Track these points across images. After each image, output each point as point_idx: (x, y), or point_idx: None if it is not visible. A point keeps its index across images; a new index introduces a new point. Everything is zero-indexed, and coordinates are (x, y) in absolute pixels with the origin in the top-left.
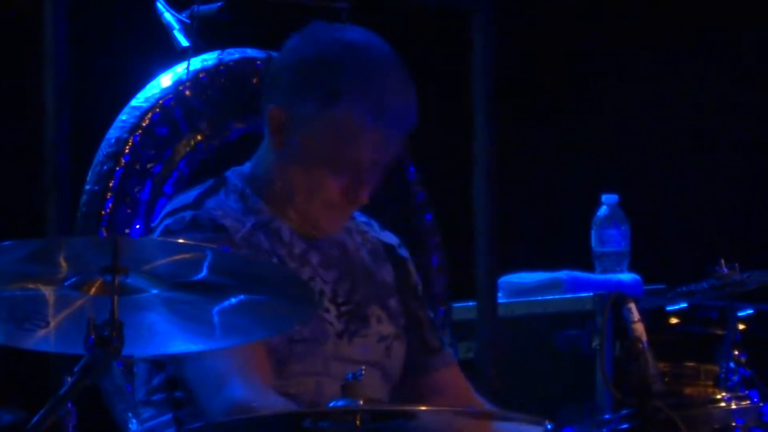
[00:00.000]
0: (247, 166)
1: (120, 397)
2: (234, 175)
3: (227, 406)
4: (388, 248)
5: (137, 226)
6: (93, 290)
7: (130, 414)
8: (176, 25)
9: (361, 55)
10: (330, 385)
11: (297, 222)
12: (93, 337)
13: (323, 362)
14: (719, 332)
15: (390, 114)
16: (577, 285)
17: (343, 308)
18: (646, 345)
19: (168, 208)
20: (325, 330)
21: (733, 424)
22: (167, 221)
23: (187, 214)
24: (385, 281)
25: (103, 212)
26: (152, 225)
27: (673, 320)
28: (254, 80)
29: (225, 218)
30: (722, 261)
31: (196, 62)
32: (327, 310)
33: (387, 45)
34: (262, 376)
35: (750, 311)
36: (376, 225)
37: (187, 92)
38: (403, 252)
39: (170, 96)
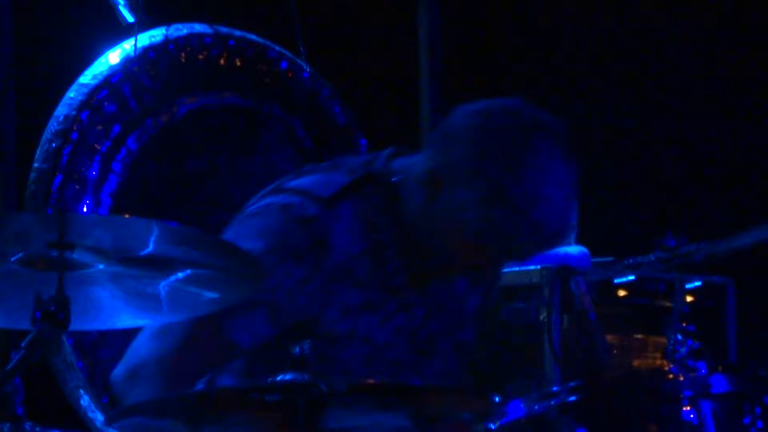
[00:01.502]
0: (396, 169)
1: (71, 374)
2: (382, 175)
3: (140, 355)
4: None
5: (86, 202)
6: (39, 266)
7: (81, 390)
8: (122, 1)
9: (545, 177)
10: None
11: (414, 257)
12: (40, 312)
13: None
14: (667, 304)
15: (547, 235)
16: None
17: (418, 346)
18: (593, 317)
19: (304, 184)
20: (387, 367)
21: (681, 395)
22: (292, 200)
23: (310, 211)
24: (469, 313)
25: (51, 190)
26: (282, 185)
27: (621, 293)
28: (201, 56)
29: (339, 236)
30: (669, 233)
31: (144, 39)
32: (398, 347)
33: (575, 169)
34: (195, 362)
35: (698, 283)
36: None
37: (135, 69)
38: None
39: (118, 73)
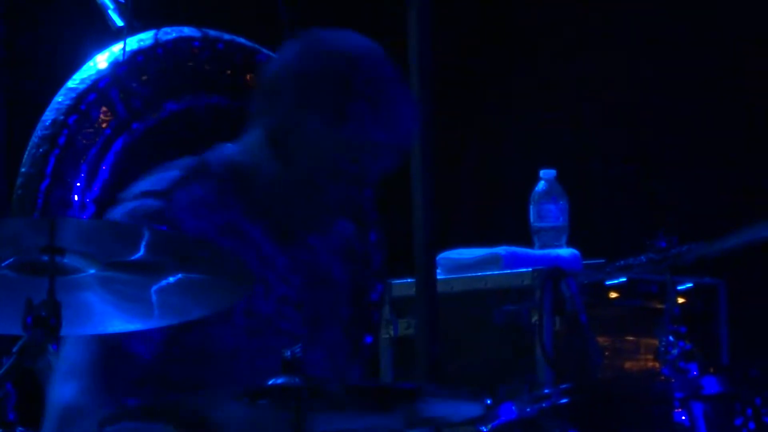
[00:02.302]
0: (232, 152)
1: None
2: (217, 161)
3: (57, 403)
4: (346, 242)
5: (75, 199)
6: (30, 271)
7: None
8: (111, 5)
9: (369, 72)
10: None
11: (276, 223)
12: (31, 317)
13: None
14: (659, 306)
15: (399, 127)
16: (515, 260)
17: (305, 314)
18: (585, 319)
19: (141, 187)
20: (280, 339)
21: (673, 397)
22: (135, 203)
23: (154, 205)
24: (341, 286)
25: (38, 194)
26: (120, 195)
27: (613, 294)
28: (190, 61)
29: (189, 221)
30: (661, 235)
31: (132, 42)
32: (289, 318)
33: (386, 54)
34: (110, 385)
35: (689, 285)
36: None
37: (124, 73)
38: (357, 244)
39: (107, 77)
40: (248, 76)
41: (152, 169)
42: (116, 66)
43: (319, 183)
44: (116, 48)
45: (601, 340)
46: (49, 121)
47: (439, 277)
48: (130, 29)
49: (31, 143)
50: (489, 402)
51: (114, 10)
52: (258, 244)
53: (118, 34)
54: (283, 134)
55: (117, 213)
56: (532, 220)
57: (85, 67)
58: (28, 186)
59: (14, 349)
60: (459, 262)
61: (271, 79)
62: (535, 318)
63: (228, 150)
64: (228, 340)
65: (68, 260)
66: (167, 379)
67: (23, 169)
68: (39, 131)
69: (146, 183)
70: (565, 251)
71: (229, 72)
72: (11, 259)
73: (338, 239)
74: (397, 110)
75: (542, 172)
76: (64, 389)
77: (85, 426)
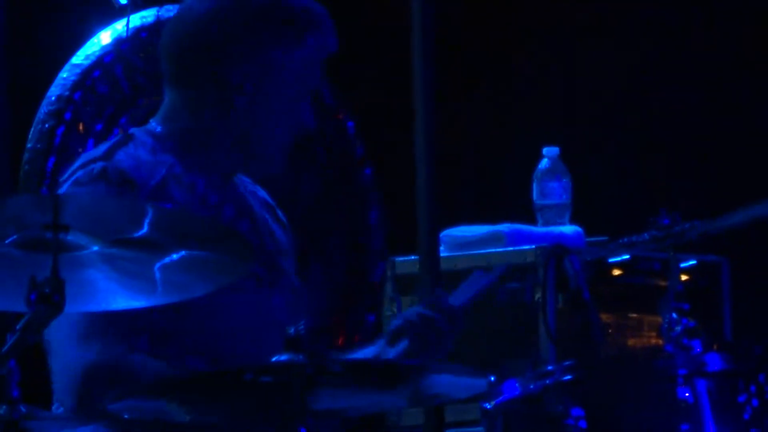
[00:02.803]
0: (154, 126)
1: None
2: (142, 132)
3: (84, 366)
4: (273, 209)
5: None
6: (34, 248)
7: None
8: None
9: None
10: (258, 338)
11: (218, 174)
12: (35, 294)
13: (246, 314)
14: (662, 283)
15: (331, 30)
16: (518, 238)
17: (259, 258)
18: (588, 297)
19: (80, 161)
20: (245, 282)
21: (676, 374)
22: (78, 174)
23: (97, 166)
24: (281, 240)
25: (45, 170)
26: (61, 179)
27: (616, 272)
28: None
29: (136, 170)
30: (664, 212)
31: (135, 19)
32: None
33: None
34: (121, 337)
35: (692, 262)
36: (258, 186)
37: (128, 50)
38: (281, 214)
39: (111, 53)
40: None
41: None
42: (119, 42)
43: (277, 111)
44: (119, 25)
45: (604, 317)
46: (54, 97)
47: (442, 254)
48: (134, 6)
49: (36, 119)
50: (492, 379)
51: None
52: (203, 194)
53: (121, 12)
54: (242, 80)
55: (63, 190)
56: (535, 197)
57: (89, 44)
58: (34, 161)
59: (18, 326)
60: (462, 239)
61: (200, 40)
62: (538, 295)
63: (148, 126)
64: None
65: (72, 237)
66: (157, 328)
67: (29, 145)
68: (45, 107)
69: (81, 158)
70: (568, 229)
71: None
72: (15, 236)
73: (265, 203)
74: (322, 15)
75: (545, 150)
76: (85, 352)
77: (135, 374)
